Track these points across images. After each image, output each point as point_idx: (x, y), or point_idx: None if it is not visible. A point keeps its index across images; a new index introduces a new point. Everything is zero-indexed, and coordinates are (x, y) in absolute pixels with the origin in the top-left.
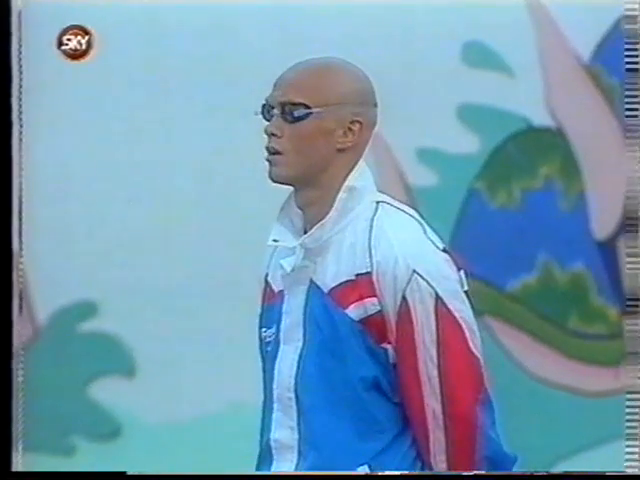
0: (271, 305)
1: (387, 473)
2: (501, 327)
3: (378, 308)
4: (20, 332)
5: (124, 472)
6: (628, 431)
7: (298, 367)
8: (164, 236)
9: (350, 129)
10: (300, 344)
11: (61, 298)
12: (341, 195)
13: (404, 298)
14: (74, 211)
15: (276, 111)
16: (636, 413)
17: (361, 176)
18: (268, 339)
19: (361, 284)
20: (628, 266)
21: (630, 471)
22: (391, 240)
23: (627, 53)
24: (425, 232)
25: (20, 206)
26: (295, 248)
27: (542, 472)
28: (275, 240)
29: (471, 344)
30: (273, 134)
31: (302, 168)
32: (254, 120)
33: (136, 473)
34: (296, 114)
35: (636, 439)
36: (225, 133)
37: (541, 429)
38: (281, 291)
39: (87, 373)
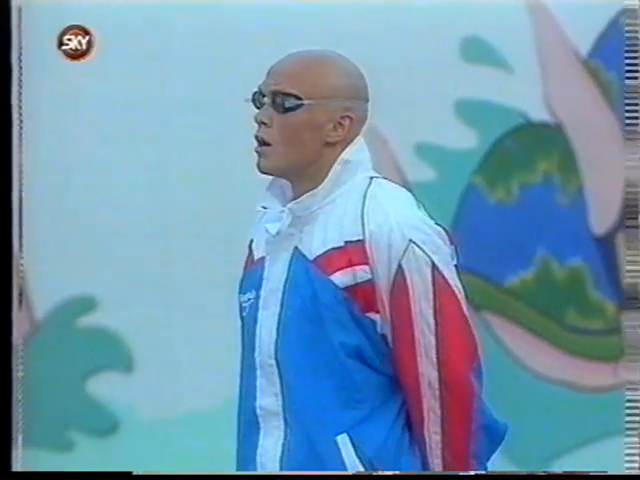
0: (252, 271)
1: (387, 473)
2: (499, 322)
3: (369, 276)
4: (19, 326)
5: (129, 472)
6: (628, 426)
7: (277, 333)
8: (163, 232)
9: (340, 123)
10: (277, 309)
11: (60, 293)
12: (336, 167)
13: (400, 267)
14: (73, 207)
15: (267, 100)
16: (636, 408)
17: (357, 151)
18: (244, 304)
19: (351, 251)
20: (628, 260)
21: (630, 465)
22: (386, 210)
23: (627, 48)
24: (419, 208)
25: (20, 202)
26: (283, 213)
27: (541, 472)
28: (264, 207)
29: (466, 312)
30: (263, 123)
31: (290, 160)
32: (252, 116)
33: (141, 473)
34: (287, 104)
35: (636, 434)
36: (225, 130)
37: (540, 424)
38: (263, 257)
39: (86, 368)
